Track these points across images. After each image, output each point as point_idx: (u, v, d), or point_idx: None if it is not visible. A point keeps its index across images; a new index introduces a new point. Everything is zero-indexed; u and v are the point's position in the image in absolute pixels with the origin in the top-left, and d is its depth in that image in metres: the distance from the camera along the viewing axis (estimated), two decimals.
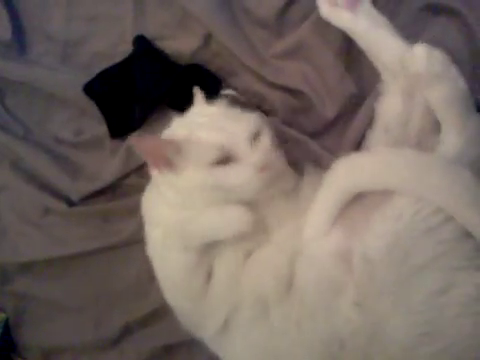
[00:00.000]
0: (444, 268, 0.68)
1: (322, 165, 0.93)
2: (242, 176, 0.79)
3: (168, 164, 0.83)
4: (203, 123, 0.85)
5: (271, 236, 0.86)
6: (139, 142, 0.84)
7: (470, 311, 0.66)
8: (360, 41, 0.83)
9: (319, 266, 0.78)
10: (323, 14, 0.82)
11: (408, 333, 0.68)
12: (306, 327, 0.76)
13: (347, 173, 0.78)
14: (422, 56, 0.78)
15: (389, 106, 0.84)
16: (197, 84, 0.93)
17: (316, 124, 1.00)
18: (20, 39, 1.22)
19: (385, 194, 0.74)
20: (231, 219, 0.81)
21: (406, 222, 0.70)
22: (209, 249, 0.83)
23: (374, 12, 0.82)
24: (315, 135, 1.00)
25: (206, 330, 0.87)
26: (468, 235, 0.68)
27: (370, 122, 0.93)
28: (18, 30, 1.22)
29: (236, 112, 0.86)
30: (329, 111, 0.96)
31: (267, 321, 0.80)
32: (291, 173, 0.89)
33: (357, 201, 0.78)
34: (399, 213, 0.71)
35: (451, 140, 0.79)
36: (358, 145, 0.96)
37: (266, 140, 0.82)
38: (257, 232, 0.83)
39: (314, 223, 0.81)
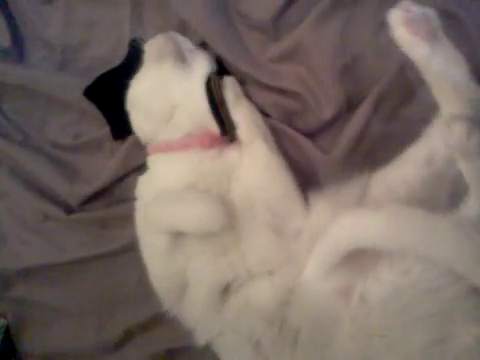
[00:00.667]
0: (444, 321, 0.67)
1: (314, 165, 0.94)
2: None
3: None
4: None
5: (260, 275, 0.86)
6: None
7: None
8: (428, 75, 0.78)
9: (318, 305, 0.78)
10: (397, 37, 0.77)
11: None
12: None
13: (352, 229, 0.76)
14: (460, 135, 0.74)
15: (439, 139, 0.80)
16: None
17: (311, 125, 1.00)
18: (19, 46, 1.22)
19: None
20: (202, 213, 0.83)
21: (412, 280, 0.69)
22: (181, 248, 0.86)
23: (451, 49, 0.77)
24: (310, 136, 1.00)
25: (196, 338, 0.90)
26: (472, 292, 0.67)
27: (366, 125, 0.93)
28: (16, 37, 1.22)
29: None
30: (325, 112, 0.96)
31: (260, 357, 0.81)
32: None
33: None
34: (407, 269, 0.70)
35: (473, 204, 0.75)
36: (353, 147, 0.96)
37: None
38: (229, 244, 0.85)
39: (313, 269, 0.80)
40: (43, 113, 1.22)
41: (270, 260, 0.85)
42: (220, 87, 0.94)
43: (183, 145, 0.93)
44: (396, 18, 0.75)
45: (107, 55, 1.19)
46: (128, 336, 1.14)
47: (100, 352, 1.15)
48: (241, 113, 0.94)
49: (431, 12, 0.75)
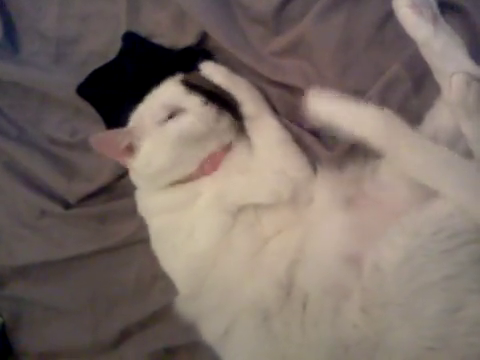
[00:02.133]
0: (457, 288, 0.67)
1: (318, 161, 0.93)
2: (193, 114, 0.91)
3: (129, 151, 0.94)
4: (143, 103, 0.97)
5: (272, 239, 0.87)
6: (95, 140, 0.94)
7: None
8: (429, 53, 0.80)
9: (326, 268, 0.78)
10: (401, 18, 0.80)
11: (415, 346, 0.68)
12: (310, 332, 0.76)
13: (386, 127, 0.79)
14: (459, 87, 0.75)
15: (442, 120, 0.82)
16: (192, 67, 0.99)
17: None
18: (12, 38, 1.20)
19: (405, 205, 0.75)
20: (273, 181, 0.89)
21: (424, 240, 0.69)
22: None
23: (451, 30, 0.80)
24: (314, 132, 0.97)
25: (207, 336, 0.89)
26: None
27: None
28: (10, 29, 1.20)
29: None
30: None
31: (269, 329, 0.80)
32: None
33: (373, 207, 0.79)
34: (418, 230, 0.70)
35: None
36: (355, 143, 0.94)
37: (199, 90, 0.92)
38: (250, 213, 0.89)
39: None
40: (38, 109, 1.20)
41: (282, 222, 0.89)
42: (204, 78, 0.96)
43: (193, 178, 0.96)
44: (401, 1, 0.80)
45: (103, 49, 1.16)
46: (126, 334, 1.13)
47: (97, 351, 1.14)
48: (241, 90, 0.96)
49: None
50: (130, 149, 0.94)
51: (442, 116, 0.82)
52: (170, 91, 0.95)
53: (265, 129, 0.95)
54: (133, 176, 1.01)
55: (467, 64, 0.77)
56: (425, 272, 0.68)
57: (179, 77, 0.98)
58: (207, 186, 0.93)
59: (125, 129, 0.95)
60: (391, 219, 0.74)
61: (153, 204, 0.98)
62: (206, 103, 0.91)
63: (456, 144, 0.78)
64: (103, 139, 0.95)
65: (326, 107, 0.83)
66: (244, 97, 0.95)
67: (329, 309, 0.75)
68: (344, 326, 0.73)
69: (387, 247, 0.71)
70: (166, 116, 0.92)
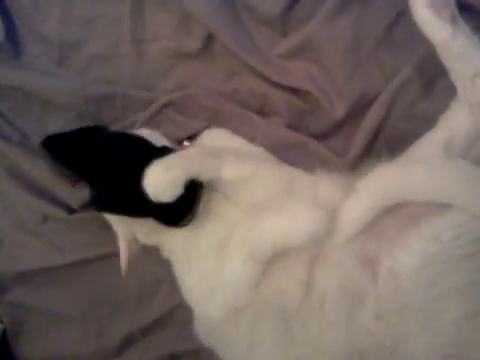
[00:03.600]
0: (477, 293, 0.66)
1: (328, 169, 0.91)
2: None
3: None
4: None
5: None
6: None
7: None
8: (447, 55, 0.79)
9: (343, 271, 0.76)
10: (419, 18, 0.78)
11: (433, 353, 0.66)
12: (327, 337, 0.75)
13: (394, 179, 0.76)
14: None
15: (458, 122, 0.80)
16: None
17: (323, 126, 0.98)
18: (13, 41, 1.18)
19: (423, 208, 0.72)
20: (305, 219, 0.79)
21: (443, 246, 0.67)
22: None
23: (469, 31, 0.78)
24: (322, 137, 0.97)
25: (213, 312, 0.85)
26: None
27: (380, 124, 0.91)
28: (11, 32, 1.17)
29: None
30: (337, 112, 0.93)
31: (288, 333, 0.78)
32: None
33: (391, 211, 0.76)
34: (437, 235, 0.68)
35: None
36: (367, 148, 0.94)
37: None
38: None
39: (347, 225, 0.78)
40: (40, 114, 1.18)
41: None
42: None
43: None
44: (419, 1, 0.77)
45: (106, 52, 1.14)
46: (129, 340, 1.12)
47: (100, 357, 1.13)
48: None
49: None
50: None
51: (458, 119, 0.80)
52: None
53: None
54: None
55: None
56: (445, 278, 0.66)
57: None
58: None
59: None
60: (406, 222, 0.72)
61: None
62: None
63: (471, 148, 0.78)
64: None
65: None
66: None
67: (345, 312, 0.74)
68: (359, 332, 0.72)
69: (404, 252, 0.70)
70: None
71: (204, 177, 0.81)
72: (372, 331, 0.70)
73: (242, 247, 0.80)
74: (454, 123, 0.80)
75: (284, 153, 0.95)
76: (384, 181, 0.76)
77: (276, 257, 0.80)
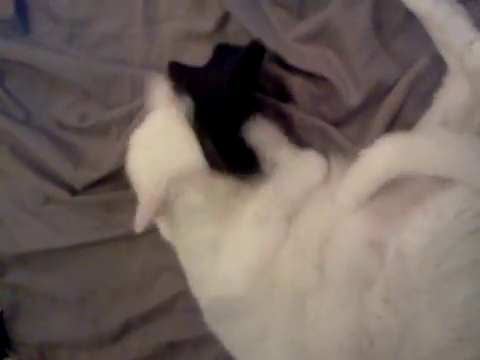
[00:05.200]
0: None
1: (344, 156, 0.90)
2: None
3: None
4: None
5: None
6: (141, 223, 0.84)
7: None
8: (432, 26, 0.79)
9: (350, 253, 0.75)
10: None
11: (444, 336, 0.65)
12: (337, 319, 0.73)
13: (396, 151, 0.74)
14: None
15: (453, 97, 0.80)
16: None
17: (338, 112, 0.95)
18: (23, 18, 1.16)
19: (426, 187, 0.71)
20: (313, 163, 0.85)
21: (448, 221, 0.66)
22: None
23: (453, 2, 0.79)
24: (337, 124, 0.95)
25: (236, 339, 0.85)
26: None
27: (397, 112, 0.89)
28: (21, 8, 1.16)
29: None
30: (353, 99, 0.91)
31: (302, 315, 0.76)
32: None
33: (394, 190, 0.75)
34: (441, 211, 0.67)
35: None
36: (382, 136, 0.91)
37: None
38: None
39: (349, 192, 0.78)
40: (47, 92, 1.16)
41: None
42: None
43: None
44: None
45: (117, 31, 1.13)
46: (128, 327, 1.11)
47: (98, 342, 1.12)
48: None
49: None
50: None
51: (450, 95, 0.80)
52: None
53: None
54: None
55: (471, 33, 0.77)
56: (451, 256, 0.65)
57: None
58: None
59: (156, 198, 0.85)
60: (410, 202, 0.71)
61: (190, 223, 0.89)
62: None
63: (468, 123, 0.77)
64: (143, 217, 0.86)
65: None
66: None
67: (355, 296, 0.72)
68: (367, 316, 0.70)
69: (410, 230, 0.68)
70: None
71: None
72: (381, 316, 0.69)
73: (273, 211, 0.83)
74: (447, 99, 0.81)
75: (300, 136, 0.95)
76: (388, 152, 0.74)
77: (290, 238, 0.80)
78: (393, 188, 0.75)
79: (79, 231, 1.12)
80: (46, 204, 1.14)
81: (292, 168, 0.86)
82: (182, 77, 0.88)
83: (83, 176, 1.10)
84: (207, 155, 0.81)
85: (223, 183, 0.83)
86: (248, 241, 0.83)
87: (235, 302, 0.83)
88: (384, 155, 0.75)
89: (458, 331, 0.64)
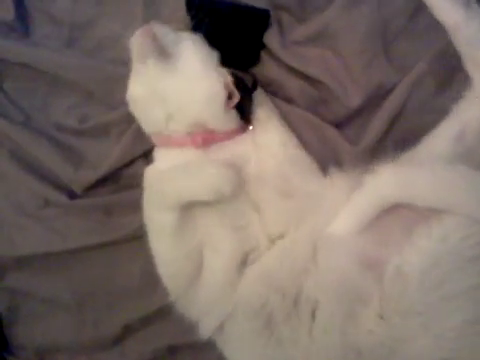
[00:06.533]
0: None
1: (341, 156, 0.90)
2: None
3: None
4: None
5: (277, 243, 0.84)
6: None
7: None
8: (460, 39, 0.79)
9: (343, 273, 0.75)
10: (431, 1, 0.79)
11: (432, 356, 0.66)
12: (319, 338, 0.74)
13: (397, 182, 0.74)
14: None
15: (473, 110, 0.80)
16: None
17: (338, 114, 0.96)
18: (23, 20, 1.16)
19: (426, 208, 0.72)
20: (211, 177, 0.80)
21: (452, 246, 0.67)
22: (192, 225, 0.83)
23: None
24: (337, 125, 0.96)
25: (201, 330, 0.87)
26: None
27: (396, 115, 0.89)
28: (21, 11, 1.16)
29: None
30: (352, 101, 0.92)
31: (272, 332, 0.78)
32: None
33: (395, 211, 0.75)
34: (446, 234, 0.68)
35: None
36: (382, 137, 0.93)
37: None
38: (245, 211, 0.84)
39: (345, 221, 0.78)
40: (47, 93, 1.16)
41: (282, 223, 0.83)
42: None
43: (178, 143, 0.90)
44: None
45: (117, 34, 1.11)
46: (128, 331, 1.10)
47: (98, 346, 1.11)
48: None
49: None
50: None
51: (472, 109, 0.80)
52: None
53: (272, 129, 0.92)
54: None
55: None
56: (451, 280, 0.66)
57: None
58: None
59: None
60: (412, 223, 0.71)
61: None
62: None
63: None
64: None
65: None
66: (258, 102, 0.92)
67: (341, 316, 0.73)
68: (357, 331, 0.71)
69: (412, 251, 0.69)
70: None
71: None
72: (374, 331, 0.69)
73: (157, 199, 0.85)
74: (468, 113, 0.80)
75: (299, 136, 0.94)
76: (388, 183, 0.75)
77: (258, 262, 0.81)
78: (394, 207, 0.75)
79: (78, 234, 1.11)
80: (45, 207, 1.13)
81: (187, 174, 0.85)
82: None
83: (83, 178, 1.10)
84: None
85: None
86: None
87: None
88: (384, 186, 0.75)
89: (447, 353, 0.65)
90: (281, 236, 0.83)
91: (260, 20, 0.96)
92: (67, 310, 1.12)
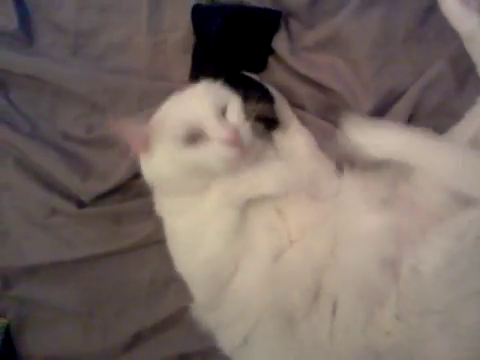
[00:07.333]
0: None
1: (353, 161, 0.89)
2: (211, 151, 0.81)
3: (144, 146, 0.86)
4: (173, 102, 0.89)
5: (297, 242, 0.84)
6: (114, 126, 0.85)
7: None
8: (475, 48, 0.79)
9: (360, 272, 0.75)
10: (446, 8, 0.79)
11: (450, 357, 0.66)
12: (340, 339, 0.74)
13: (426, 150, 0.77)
14: None
15: None
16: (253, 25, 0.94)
17: None
18: (27, 29, 1.15)
19: (442, 207, 0.72)
20: (278, 169, 0.85)
21: (467, 244, 0.67)
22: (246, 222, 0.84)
23: None
24: None
25: (224, 344, 0.87)
26: None
27: (409, 118, 0.88)
28: (25, 19, 1.15)
29: (206, 89, 0.88)
30: (363, 107, 0.91)
31: (294, 334, 0.78)
32: (260, 144, 0.90)
33: (409, 210, 0.76)
34: (462, 232, 0.68)
35: None
36: None
37: (233, 116, 0.84)
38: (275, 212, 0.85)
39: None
40: (52, 103, 1.15)
41: (306, 222, 0.84)
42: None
43: None
44: None
45: (122, 41, 1.12)
46: (138, 339, 1.10)
47: (107, 355, 1.10)
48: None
49: None
50: (146, 145, 0.88)
51: None
52: (200, 109, 0.84)
53: (294, 135, 0.92)
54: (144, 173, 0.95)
55: None
56: (467, 279, 0.65)
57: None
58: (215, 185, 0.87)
59: (144, 127, 0.87)
60: (428, 222, 0.72)
61: (166, 204, 0.93)
62: (228, 141, 0.81)
63: None
64: (122, 125, 0.86)
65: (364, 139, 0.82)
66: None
67: (361, 315, 0.72)
68: (376, 333, 0.70)
69: (428, 249, 0.69)
70: (185, 134, 0.83)
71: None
72: (391, 332, 0.69)
73: (219, 197, 0.84)
74: None
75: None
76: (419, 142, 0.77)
77: (280, 263, 0.81)
78: (409, 206, 0.75)
79: (86, 243, 1.11)
80: (53, 216, 1.12)
81: (252, 172, 0.85)
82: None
83: (91, 189, 1.09)
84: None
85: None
86: (206, 228, 0.85)
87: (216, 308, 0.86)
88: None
89: (465, 353, 0.65)
90: (303, 235, 0.84)
91: (270, 21, 0.96)
92: (76, 319, 1.12)
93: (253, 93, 0.86)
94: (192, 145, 0.82)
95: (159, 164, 0.87)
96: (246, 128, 0.84)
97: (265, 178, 0.84)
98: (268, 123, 0.89)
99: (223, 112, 0.85)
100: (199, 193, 0.87)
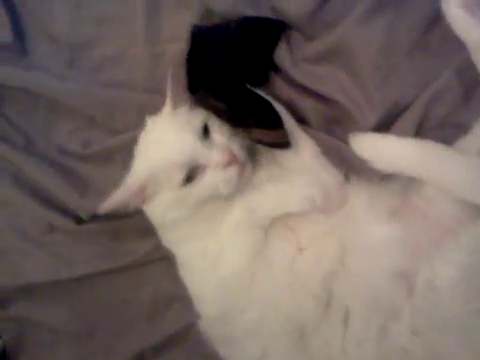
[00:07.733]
0: None
1: (360, 175, 0.88)
2: (213, 179, 0.83)
3: (142, 200, 0.89)
4: (151, 145, 0.90)
5: (306, 250, 0.84)
6: (107, 207, 0.88)
7: None
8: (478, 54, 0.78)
9: (371, 284, 0.75)
10: (452, 18, 0.78)
11: None
12: (352, 353, 0.73)
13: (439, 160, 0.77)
14: None
15: None
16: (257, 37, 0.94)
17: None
18: (22, 42, 1.13)
19: (453, 219, 0.72)
20: (302, 187, 0.85)
21: None
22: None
23: None
24: None
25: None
26: None
27: (414, 132, 0.86)
28: (19, 32, 1.13)
29: (178, 119, 0.89)
30: (368, 120, 0.88)
31: (306, 351, 0.77)
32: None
33: (420, 221, 0.76)
34: (476, 246, 0.67)
35: None
36: None
37: (218, 135, 0.86)
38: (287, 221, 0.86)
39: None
40: (48, 117, 1.13)
41: (314, 230, 0.85)
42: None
43: None
44: (451, 0, 0.78)
45: (118, 53, 1.10)
46: (140, 359, 1.08)
47: None
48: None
49: None
50: (142, 198, 0.90)
51: None
52: (185, 146, 0.84)
53: (301, 147, 0.91)
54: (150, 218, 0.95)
55: None
56: None
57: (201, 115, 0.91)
58: (235, 203, 0.88)
59: (134, 187, 0.88)
60: (440, 234, 0.72)
61: (176, 235, 0.93)
62: (226, 163, 0.82)
63: None
64: (114, 203, 0.89)
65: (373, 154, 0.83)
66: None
67: (375, 329, 0.72)
68: (390, 348, 0.70)
69: (443, 264, 0.68)
70: (184, 177, 0.84)
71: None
72: (407, 349, 0.69)
73: (242, 217, 0.86)
74: None
75: None
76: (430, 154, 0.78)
77: (292, 273, 0.81)
78: (421, 218, 0.73)
79: (85, 261, 1.09)
80: (50, 233, 1.10)
81: (277, 190, 0.87)
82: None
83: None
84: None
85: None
86: (227, 248, 0.85)
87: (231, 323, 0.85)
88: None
89: None
90: (311, 243, 0.84)
91: (273, 32, 0.95)
92: (76, 339, 1.10)
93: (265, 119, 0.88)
94: (193, 184, 0.84)
95: (164, 208, 0.88)
96: (236, 142, 0.86)
97: (291, 196, 0.85)
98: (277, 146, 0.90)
99: (205, 130, 0.86)
100: (213, 217, 0.88)
